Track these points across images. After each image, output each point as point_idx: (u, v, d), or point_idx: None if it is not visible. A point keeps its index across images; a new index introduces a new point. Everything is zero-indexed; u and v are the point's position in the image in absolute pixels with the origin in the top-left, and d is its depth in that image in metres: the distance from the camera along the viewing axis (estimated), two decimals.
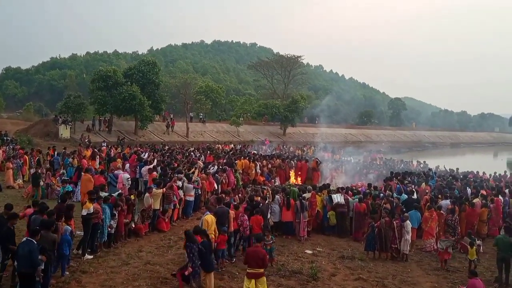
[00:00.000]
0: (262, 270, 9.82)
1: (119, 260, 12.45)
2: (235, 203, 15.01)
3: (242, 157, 27.43)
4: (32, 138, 38.53)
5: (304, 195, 16.94)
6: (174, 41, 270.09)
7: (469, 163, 42.86)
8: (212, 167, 22.46)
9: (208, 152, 31.72)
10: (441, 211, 16.09)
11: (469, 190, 21.05)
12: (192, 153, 29.81)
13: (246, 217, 13.31)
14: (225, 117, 72.98)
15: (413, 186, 20.46)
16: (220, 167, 23.08)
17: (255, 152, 36.37)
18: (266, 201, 15.64)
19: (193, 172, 20.16)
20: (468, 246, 13.05)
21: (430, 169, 30.77)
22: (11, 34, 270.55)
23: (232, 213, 13.26)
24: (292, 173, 26.65)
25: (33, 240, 9.10)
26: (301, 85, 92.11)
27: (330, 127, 76.49)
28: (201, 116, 64.58)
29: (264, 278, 9.98)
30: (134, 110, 45.69)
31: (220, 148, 39.31)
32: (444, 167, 32.78)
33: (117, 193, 14.87)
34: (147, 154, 25.46)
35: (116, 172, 19.63)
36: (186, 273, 10.38)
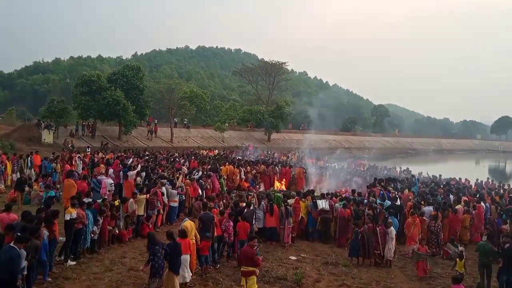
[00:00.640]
0: (251, 269, 10.14)
1: (103, 266, 12.37)
2: (220, 208, 15.03)
3: (227, 163, 27.42)
4: (15, 143, 38.06)
5: (288, 201, 16.97)
6: (158, 46, 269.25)
7: (452, 169, 43.28)
8: (197, 173, 22.42)
9: (193, 157, 31.64)
10: (424, 217, 16.22)
11: (451, 197, 21.25)
12: (176, 159, 29.73)
13: (231, 223, 13.31)
14: (209, 122, 72.90)
15: (396, 192, 20.59)
16: (205, 172, 23.06)
17: (240, 158, 36.36)
18: (251, 207, 15.64)
19: (177, 178, 20.13)
20: (457, 259, 13.04)
21: (413, 176, 30.99)
22: None
23: (216, 218, 13.26)
24: (276, 179, 26.70)
25: (16, 247, 8.95)
26: (286, 91, 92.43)
27: (315, 133, 76.80)
28: (185, 122, 64.42)
29: (254, 278, 10.18)
30: (118, 115, 45.39)
31: (205, 153, 39.21)
32: (427, 173, 33.03)
33: (101, 199, 14.79)
34: (131, 159, 25.33)
35: (99, 177, 19.51)
36: (141, 268, 10.55)
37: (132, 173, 20.09)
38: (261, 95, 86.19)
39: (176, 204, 18.06)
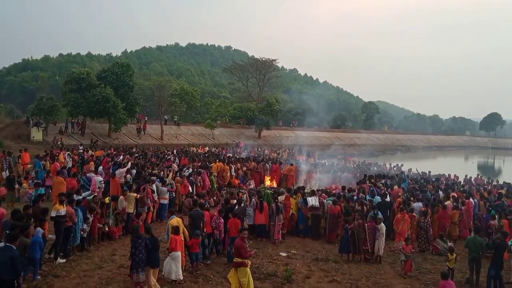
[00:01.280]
0: (239, 260, 10.18)
1: (92, 264, 12.33)
2: (210, 205, 15.04)
3: (217, 160, 27.39)
4: (3, 141, 37.78)
5: (279, 197, 16.99)
6: (148, 43, 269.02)
7: (441, 166, 43.58)
8: (187, 170, 22.39)
9: (183, 155, 31.59)
10: (414, 214, 16.32)
11: (441, 193, 21.39)
12: (167, 156, 29.67)
13: (221, 219, 13.32)
14: (200, 120, 72.76)
15: (386, 189, 20.67)
16: (195, 170, 23.03)
17: (230, 155, 36.34)
18: (242, 204, 15.65)
19: (167, 175, 20.09)
20: (449, 254, 13.11)
21: (402, 172, 31.13)
22: None
23: (207, 215, 13.26)
24: (267, 176, 26.72)
25: (12, 246, 8.87)
26: (276, 88, 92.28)
27: (305, 130, 76.92)
28: (175, 119, 64.29)
29: (246, 269, 10.23)
30: (108, 113, 45.30)
31: (195, 151, 39.15)
32: (417, 170, 33.19)
33: (91, 196, 14.74)
34: (121, 157, 25.22)
35: (89, 175, 19.46)
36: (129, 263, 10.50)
37: (122, 171, 20.05)
38: (251, 92, 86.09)
39: (166, 201, 18.01)
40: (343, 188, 20.96)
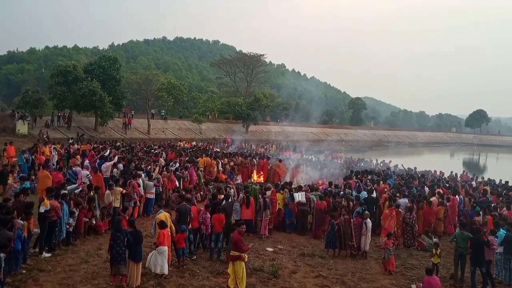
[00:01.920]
0: (236, 253, 10.44)
1: (78, 258, 12.27)
2: (197, 200, 15.02)
3: (204, 155, 27.35)
4: None
5: (267, 192, 17.03)
6: (135, 36, 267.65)
7: (427, 162, 43.90)
8: (174, 165, 22.34)
9: (170, 149, 31.50)
10: (400, 209, 16.43)
11: (426, 189, 21.56)
12: (153, 150, 29.56)
13: (208, 214, 13.31)
14: (187, 114, 72.54)
15: (372, 184, 20.79)
16: (182, 164, 22.99)
17: (218, 150, 36.32)
18: (230, 199, 15.65)
19: (154, 170, 20.03)
20: (434, 249, 13.25)
21: (388, 168, 31.29)
22: None
23: (195, 210, 13.26)
24: (254, 171, 26.75)
25: None
26: (264, 83, 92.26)
27: (292, 126, 77.09)
28: (162, 113, 64.05)
29: (241, 263, 10.47)
30: (94, 106, 45.00)
31: (182, 145, 39.05)
32: (403, 166, 33.42)
33: (77, 190, 14.66)
34: (108, 151, 25.10)
35: (75, 168, 19.33)
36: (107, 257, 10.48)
37: (108, 164, 19.95)
38: (239, 87, 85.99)
39: (152, 196, 17.93)
40: (330, 183, 21.04)
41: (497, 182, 26.97)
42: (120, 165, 20.42)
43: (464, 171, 32.98)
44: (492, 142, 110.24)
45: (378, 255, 14.89)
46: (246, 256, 10.73)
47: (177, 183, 19.92)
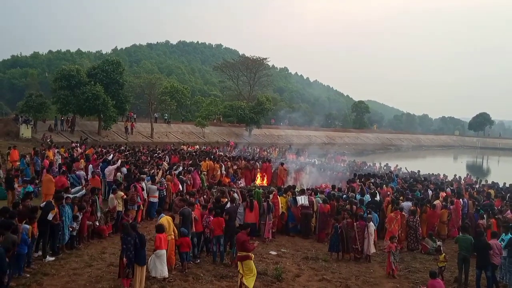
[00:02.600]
0: (244, 253, 10.64)
1: (82, 262, 12.28)
2: (201, 203, 14.99)
3: (207, 158, 27.35)
4: None
5: (271, 196, 17.01)
6: (138, 41, 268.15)
7: (430, 165, 43.83)
8: (177, 168, 22.35)
9: (173, 153, 31.52)
10: (403, 213, 16.39)
11: (430, 192, 21.50)
12: (157, 154, 29.58)
13: (211, 218, 13.30)
14: (190, 118, 72.60)
15: (375, 188, 20.75)
16: (185, 168, 23.00)
17: (221, 153, 36.31)
18: (234, 203, 15.62)
19: (157, 173, 20.05)
20: (439, 255, 13.19)
21: (391, 172, 31.25)
22: None
23: (196, 213, 13.25)
24: (258, 175, 26.72)
25: None
26: (266, 87, 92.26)
27: (295, 129, 77.08)
28: (165, 117, 64.13)
29: (250, 262, 10.69)
30: (98, 110, 45.15)
31: (185, 149, 39.05)
32: (406, 169, 33.34)
33: (80, 193, 14.68)
34: (112, 155, 25.12)
35: (78, 172, 19.36)
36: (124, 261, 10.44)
37: (111, 168, 19.97)
38: (242, 90, 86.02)
39: (156, 200, 17.93)
40: (333, 187, 21.02)
41: (501, 185, 26.92)
42: (124, 169, 20.44)
43: (467, 174, 32.87)
44: (496, 145, 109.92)
45: (382, 259, 14.85)
46: (253, 255, 10.78)
47: (180, 186, 19.92)
